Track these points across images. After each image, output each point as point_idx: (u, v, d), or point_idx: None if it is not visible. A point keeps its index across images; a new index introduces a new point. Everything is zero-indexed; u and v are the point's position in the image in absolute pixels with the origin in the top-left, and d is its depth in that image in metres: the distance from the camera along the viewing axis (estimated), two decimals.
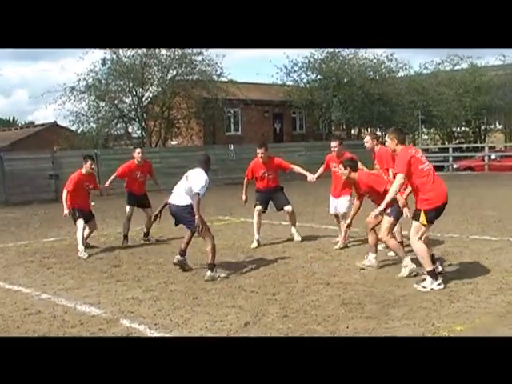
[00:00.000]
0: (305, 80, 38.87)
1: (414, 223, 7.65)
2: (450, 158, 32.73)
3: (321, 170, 11.33)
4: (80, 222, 11.02)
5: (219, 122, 35.60)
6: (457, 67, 45.24)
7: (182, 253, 9.00)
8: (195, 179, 8.66)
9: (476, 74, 43.28)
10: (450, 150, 33.24)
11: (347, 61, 37.74)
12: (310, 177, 11.08)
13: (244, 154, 26.53)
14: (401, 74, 41.71)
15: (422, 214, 7.56)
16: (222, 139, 34.91)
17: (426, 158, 8.03)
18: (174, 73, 33.05)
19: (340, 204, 10.85)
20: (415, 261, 7.95)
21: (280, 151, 27.28)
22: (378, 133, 44.59)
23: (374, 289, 7.65)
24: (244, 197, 11.40)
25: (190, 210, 8.43)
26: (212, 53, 32.65)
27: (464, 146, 36.31)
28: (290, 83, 38.96)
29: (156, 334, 6.21)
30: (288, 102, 37.78)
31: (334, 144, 10.86)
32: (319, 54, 37.57)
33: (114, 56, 31.38)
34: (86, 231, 11.41)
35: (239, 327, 6.31)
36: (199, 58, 32.72)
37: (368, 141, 9.98)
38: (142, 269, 9.51)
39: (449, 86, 41.84)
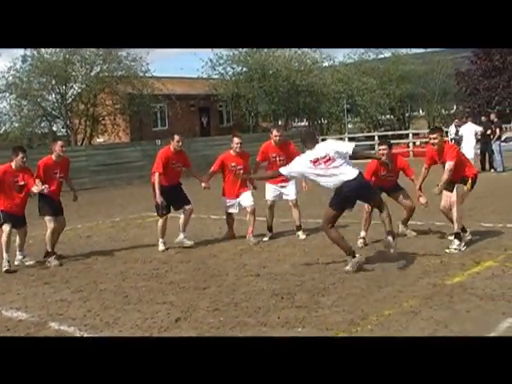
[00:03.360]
0: (230, 73, 38.89)
1: (460, 189, 8.63)
2: (376, 146, 33.19)
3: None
4: (6, 228, 9.37)
5: (146, 117, 35.37)
6: (380, 56, 46.06)
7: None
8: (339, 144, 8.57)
9: (399, 62, 44.22)
10: (376, 137, 33.75)
11: (272, 53, 37.90)
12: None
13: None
14: (326, 64, 42.23)
15: (470, 180, 8.73)
16: (150, 135, 34.65)
17: None
18: (99, 69, 32.57)
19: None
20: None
21: (207, 145, 27.46)
22: (304, 123, 45.27)
23: (304, 278, 7.72)
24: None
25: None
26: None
27: (389, 133, 36.89)
28: (216, 76, 38.92)
29: (86, 336, 6.12)
30: (214, 96, 37.75)
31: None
32: None
33: (35, 53, 30.60)
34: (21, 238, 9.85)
35: (170, 323, 6.27)
36: (124, 53, 32.33)
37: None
38: (70, 269, 9.33)
39: (373, 75, 42.60)
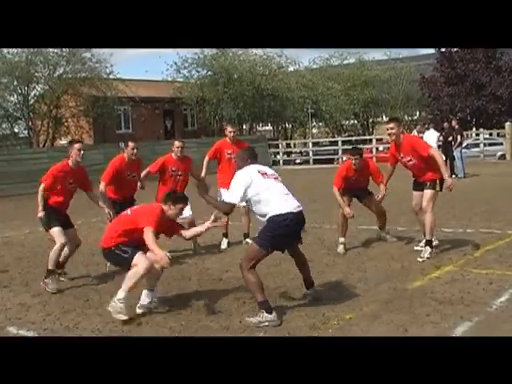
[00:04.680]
0: (195, 76, 38.94)
1: (430, 192, 8.54)
2: (340, 151, 33.49)
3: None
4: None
5: (109, 120, 35.12)
6: (345, 62, 46.48)
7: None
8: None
9: (363, 68, 44.68)
10: (340, 142, 33.99)
11: (237, 57, 37.97)
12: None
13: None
14: (291, 68, 42.43)
15: (438, 181, 8.59)
16: (113, 137, 34.37)
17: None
18: (62, 70, 32.28)
19: None
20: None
21: (171, 149, 27.17)
22: (269, 127, 45.38)
23: (266, 282, 7.71)
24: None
25: None
26: (100, 50, 32.14)
27: (353, 138, 37.19)
28: (181, 79, 38.84)
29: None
30: (179, 99, 37.67)
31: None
32: (209, 50, 37.65)
33: None
34: None
35: (132, 328, 6.23)
36: (88, 54, 32.10)
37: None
38: (30, 273, 9.22)
39: (337, 80, 42.96)
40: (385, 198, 9.31)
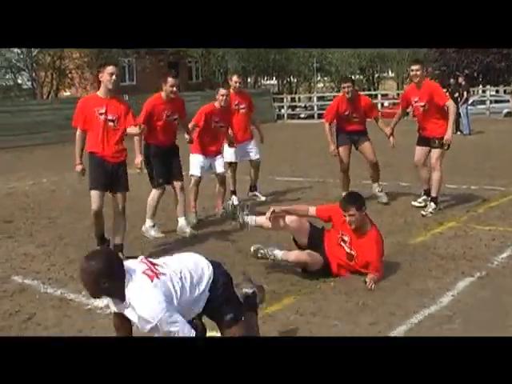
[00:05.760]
0: None
1: (438, 151, 8.56)
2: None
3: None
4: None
5: None
6: None
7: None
8: None
9: None
10: None
11: None
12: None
13: (139, 104, 26.09)
14: None
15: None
16: (117, 89, 34.16)
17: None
18: None
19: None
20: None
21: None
22: (274, 81, 45.07)
23: (271, 233, 7.71)
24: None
25: None
26: None
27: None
28: None
29: (50, 290, 6.10)
30: (183, 51, 37.32)
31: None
32: None
33: None
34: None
35: None
36: None
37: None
38: (35, 224, 9.26)
39: None
40: (392, 148, 9.23)
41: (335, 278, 5.94)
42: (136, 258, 3.93)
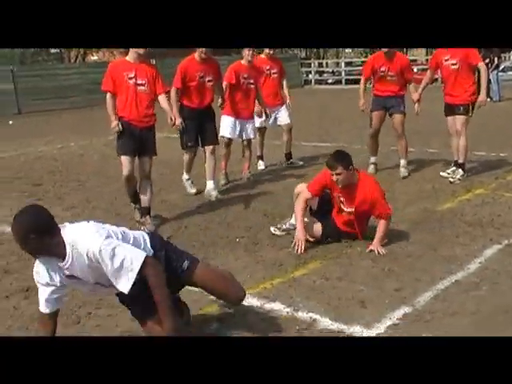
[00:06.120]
0: None
1: (462, 118, 8.43)
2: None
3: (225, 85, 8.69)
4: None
5: None
6: None
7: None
8: None
9: None
10: None
11: None
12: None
13: (168, 68, 26.06)
14: None
15: (471, 106, 8.44)
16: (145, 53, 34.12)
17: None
18: None
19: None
20: None
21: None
22: None
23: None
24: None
25: None
26: None
27: None
28: None
29: None
30: None
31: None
32: None
33: None
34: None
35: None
36: None
37: None
38: (63, 187, 9.36)
39: None
40: (418, 115, 9.06)
41: (361, 242, 5.94)
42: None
